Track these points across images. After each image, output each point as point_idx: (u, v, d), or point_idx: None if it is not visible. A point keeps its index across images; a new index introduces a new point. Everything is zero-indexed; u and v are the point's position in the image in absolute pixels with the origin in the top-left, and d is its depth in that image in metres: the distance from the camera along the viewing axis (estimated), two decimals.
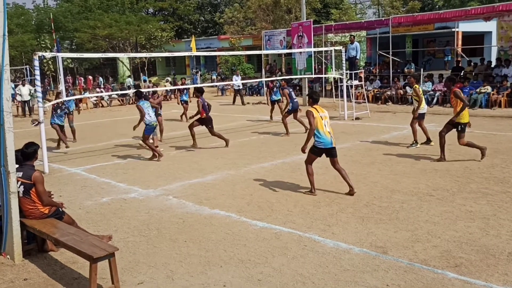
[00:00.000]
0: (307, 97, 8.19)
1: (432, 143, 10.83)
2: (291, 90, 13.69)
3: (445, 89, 18.91)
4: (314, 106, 7.45)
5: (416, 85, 10.91)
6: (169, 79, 32.13)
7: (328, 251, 5.30)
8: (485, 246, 5.26)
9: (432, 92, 19.07)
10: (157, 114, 12.10)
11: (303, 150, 7.48)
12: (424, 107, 10.87)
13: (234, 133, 14.09)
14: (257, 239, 5.74)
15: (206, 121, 11.55)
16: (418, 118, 10.79)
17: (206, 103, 11.51)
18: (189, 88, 19.13)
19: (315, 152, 7.40)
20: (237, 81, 23.85)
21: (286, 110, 13.48)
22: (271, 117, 16.47)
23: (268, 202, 7.14)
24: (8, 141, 5.23)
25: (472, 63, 21.08)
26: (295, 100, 13.40)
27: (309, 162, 7.50)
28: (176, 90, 19.89)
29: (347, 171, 8.75)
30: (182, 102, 17.77)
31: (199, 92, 11.70)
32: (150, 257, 5.36)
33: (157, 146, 11.41)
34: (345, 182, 7.39)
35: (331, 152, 7.39)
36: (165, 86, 28.85)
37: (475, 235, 5.56)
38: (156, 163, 10.30)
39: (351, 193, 7.32)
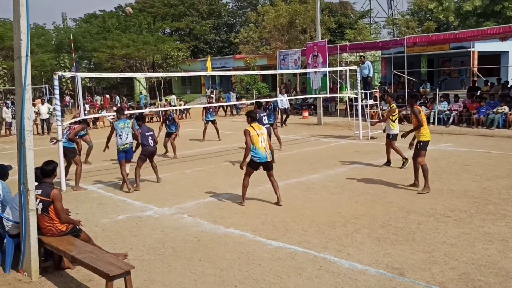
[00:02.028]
0: (245, 116, 8.69)
1: (391, 165, 10.91)
2: (262, 114, 11.85)
3: (461, 109, 18.87)
4: (252, 124, 8.14)
5: (393, 104, 11.01)
6: (209, 93, 32.93)
7: (344, 272, 5.26)
8: (504, 269, 5.16)
9: (448, 112, 18.95)
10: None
11: (241, 167, 8.15)
12: (396, 128, 10.84)
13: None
14: (272, 258, 5.72)
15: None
16: (393, 138, 10.79)
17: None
18: (218, 107, 18.49)
19: (252, 166, 8.06)
20: (282, 101, 21.31)
21: None
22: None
23: (283, 222, 7.12)
24: (28, 159, 5.33)
25: (488, 83, 20.94)
26: (265, 125, 11.26)
27: (247, 174, 8.15)
28: (202, 108, 19.23)
29: (362, 191, 8.75)
30: (207, 122, 17.05)
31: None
32: (165, 276, 5.37)
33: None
34: (275, 193, 8.10)
35: (267, 166, 8.09)
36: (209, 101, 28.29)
37: (494, 258, 5.46)
38: (172, 180, 10.35)
39: (278, 203, 8.03)
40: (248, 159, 8.05)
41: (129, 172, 9.93)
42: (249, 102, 27.93)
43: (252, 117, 8.30)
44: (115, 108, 27.00)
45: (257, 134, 7.96)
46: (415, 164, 8.87)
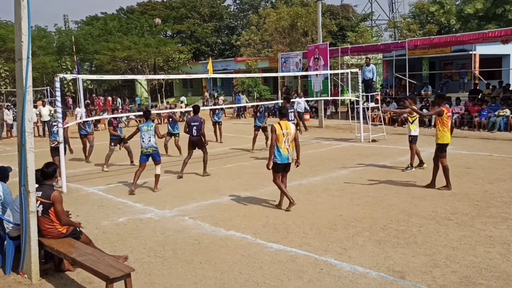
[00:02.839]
0: (277, 111, 8.52)
1: (424, 165, 10.79)
2: (290, 110, 11.92)
3: (462, 111, 18.85)
4: (280, 121, 7.80)
5: (414, 106, 11.00)
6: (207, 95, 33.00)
7: (345, 275, 5.24)
8: (505, 272, 5.14)
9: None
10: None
11: (267, 167, 7.82)
12: (414, 130, 10.77)
13: (250, 154, 14.11)
14: (273, 261, 5.70)
15: None
16: (412, 140, 10.75)
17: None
18: (223, 109, 18.66)
19: (275, 169, 7.78)
20: (300, 104, 20.08)
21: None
22: (252, 146, 14.63)
23: (284, 224, 7.11)
24: (29, 161, 5.32)
25: (490, 86, 20.92)
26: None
27: (275, 179, 7.88)
28: (209, 110, 19.34)
29: (363, 193, 8.74)
30: (214, 123, 17.42)
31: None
32: (165, 278, 5.35)
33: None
34: (284, 194, 7.86)
35: (287, 168, 7.88)
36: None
37: (495, 261, 5.44)
38: (173, 183, 10.34)
39: (278, 206, 7.86)
40: (273, 158, 7.73)
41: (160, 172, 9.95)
42: (250, 104, 28.03)
43: (282, 114, 7.97)
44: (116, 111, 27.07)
45: (283, 133, 7.66)
46: (435, 165, 8.95)
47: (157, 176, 9.66)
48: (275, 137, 7.64)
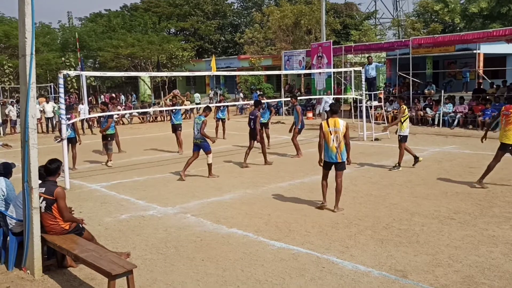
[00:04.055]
0: (328, 108, 8.39)
1: (420, 158, 10.91)
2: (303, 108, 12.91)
3: (466, 111, 18.80)
4: (329, 119, 7.65)
5: (403, 105, 11.04)
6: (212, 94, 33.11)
7: (347, 273, 5.24)
8: (508, 272, 5.13)
9: (453, 114, 18.88)
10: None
11: (319, 164, 7.84)
12: (405, 130, 10.74)
13: (251, 152, 14.09)
14: (275, 259, 5.70)
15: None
16: (402, 140, 10.73)
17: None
18: (227, 106, 18.69)
19: (324, 166, 7.73)
20: (328, 102, 18.48)
21: (296, 129, 13.02)
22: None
23: (286, 222, 7.11)
24: (32, 157, 5.33)
25: (494, 85, 20.84)
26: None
27: (322, 174, 7.79)
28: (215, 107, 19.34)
29: (366, 192, 8.73)
30: (218, 120, 17.52)
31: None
32: (167, 275, 5.36)
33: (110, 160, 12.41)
34: (335, 196, 7.62)
35: (336, 166, 7.63)
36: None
37: (498, 261, 5.43)
38: (175, 180, 10.35)
39: (332, 209, 7.59)
40: (322, 156, 7.65)
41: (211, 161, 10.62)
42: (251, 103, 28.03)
43: (333, 111, 7.69)
44: (119, 108, 27.11)
45: (330, 131, 7.43)
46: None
47: (209, 165, 10.54)
48: (321, 135, 7.53)
